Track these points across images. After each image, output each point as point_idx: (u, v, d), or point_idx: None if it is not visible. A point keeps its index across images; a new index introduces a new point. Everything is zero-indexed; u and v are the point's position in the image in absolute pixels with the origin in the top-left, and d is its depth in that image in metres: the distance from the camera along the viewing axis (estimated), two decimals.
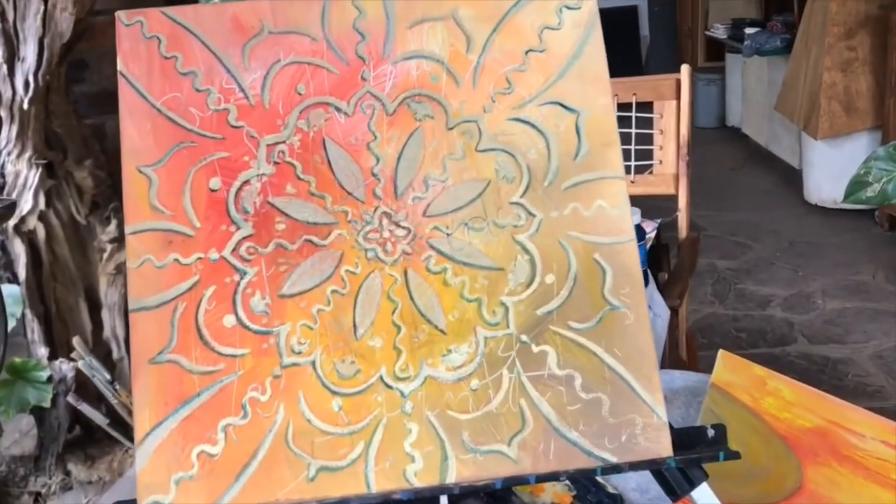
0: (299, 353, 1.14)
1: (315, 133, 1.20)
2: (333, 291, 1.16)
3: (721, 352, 2.04)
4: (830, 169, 5.77)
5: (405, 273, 1.17)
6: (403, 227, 1.18)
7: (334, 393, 1.13)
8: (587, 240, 1.17)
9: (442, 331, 1.15)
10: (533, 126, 1.21)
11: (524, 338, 1.15)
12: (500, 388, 1.13)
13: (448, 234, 1.18)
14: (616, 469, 1.11)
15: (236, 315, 1.15)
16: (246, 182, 1.18)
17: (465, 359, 1.14)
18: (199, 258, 1.16)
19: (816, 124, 5.62)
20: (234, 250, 1.16)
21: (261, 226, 1.17)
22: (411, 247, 1.18)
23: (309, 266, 1.17)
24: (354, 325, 1.15)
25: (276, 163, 1.19)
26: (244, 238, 1.17)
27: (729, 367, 2.03)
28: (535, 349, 1.15)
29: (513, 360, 1.14)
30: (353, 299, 1.16)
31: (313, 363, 1.14)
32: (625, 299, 1.16)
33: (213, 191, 1.18)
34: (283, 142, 1.20)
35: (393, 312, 1.16)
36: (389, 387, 1.13)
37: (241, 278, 1.16)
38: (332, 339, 1.15)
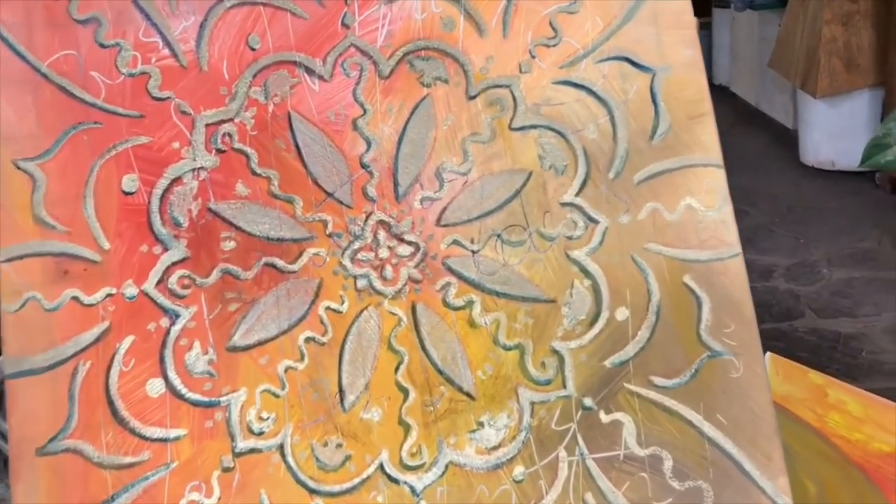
0: (260, 433, 0.77)
1: (277, 106, 0.82)
2: (309, 340, 0.79)
3: (770, 356, 1.69)
4: (829, 129, 5.44)
5: (413, 309, 0.80)
6: (409, 242, 0.81)
7: (313, 492, 0.76)
8: (673, 256, 0.81)
9: (469, 394, 0.79)
10: (590, 91, 0.84)
11: (588, 402, 0.79)
12: (556, 479, 0.77)
13: (474, 252, 0.81)
14: None
15: (166, 379, 0.78)
16: (176, 180, 0.80)
17: (504, 435, 0.78)
18: (109, 295, 0.78)
19: (815, 82, 5.28)
20: (160, 282, 0.79)
21: (199, 245, 0.79)
22: (421, 270, 0.81)
23: (272, 303, 0.79)
24: (341, 390, 0.79)
25: (219, 150, 0.81)
26: (175, 263, 0.79)
27: (783, 375, 1.68)
28: (604, 418, 0.79)
29: (573, 436, 0.78)
30: (339, 351, 0.79)
31: (281, 447, 0.77)
32: (730, 342, 0.80)
33: (127, 194, 0.80)
34: (231, 119, 0.81)
35: (397, 369, 0.79)
36: (394, 480, 0.77)
37: (173, 323, 0.78)
38: (309, 410, 0.78)
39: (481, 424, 0.79)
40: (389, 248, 0.81)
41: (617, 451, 0.79)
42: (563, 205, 0.82)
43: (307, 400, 0.78)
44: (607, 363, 0.80)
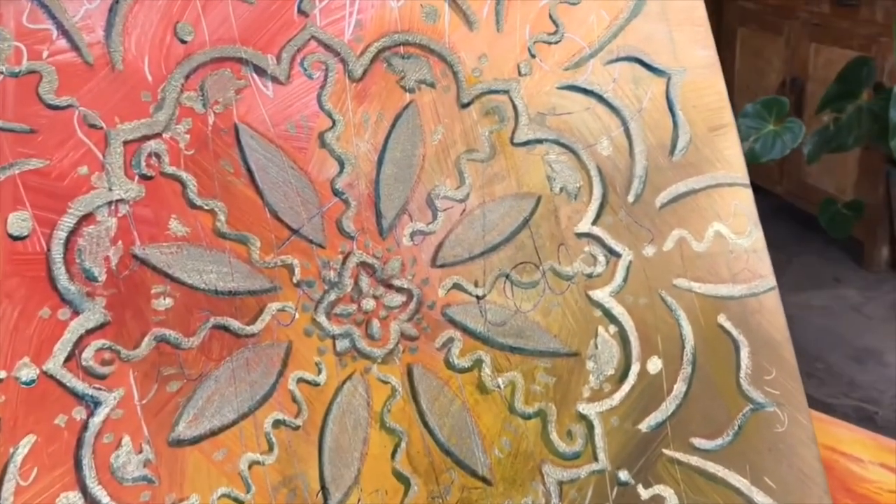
0: None
1: (219, 116, 0.62)
2: (278, 424, 0.61)
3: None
4: None
5: (409, 375, 0.63)
6: (399, 289, 0.64)
7: None
8: (705, 293, 0.68)
9: (484, 479, 0.63)
10: (600, 98, 0.70)
11: (624, 476, 0.65)
12: None
13: (479, 297, 0.65)
14: None
15: (85, 492, 0.57)
16: (87, 218, 0.59)
17: None
18: None
19: None
20: (69, 358, 0.57)
21: (123, 305, 0.59)
22: (416, 324, 0.64)
23: (226, 378, 0.60)
24: (324, 487, 0.60)
25: (144, 177, 0.60)
26: (91, 332, 0.58)
27: None
28: (643, 494, 0.65)
29: None
30: (318, 436, 0.61)
31: None
32: (772, 390, 0.69)
33: (15, 238, 0.58)
34: (158, 135, 0.61)
35: (394, 453, 0.62)
36: None
37: (91, 414, 0.57)
38: None
39: None
40: (375, 297, 0.64)
41: None
42: (580, 235, 0.68)
43: None
44: (642, 426, 0.66)
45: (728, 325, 0.69)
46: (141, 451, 0.58)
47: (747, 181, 0.72)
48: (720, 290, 0.69)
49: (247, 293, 0.61)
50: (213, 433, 0.59)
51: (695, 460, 0.67)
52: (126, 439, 0.58)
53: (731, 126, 0.73)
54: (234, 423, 0.60)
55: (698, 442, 0.67)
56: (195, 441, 0.59)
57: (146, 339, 0.59)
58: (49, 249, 0.58)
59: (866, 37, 2.59)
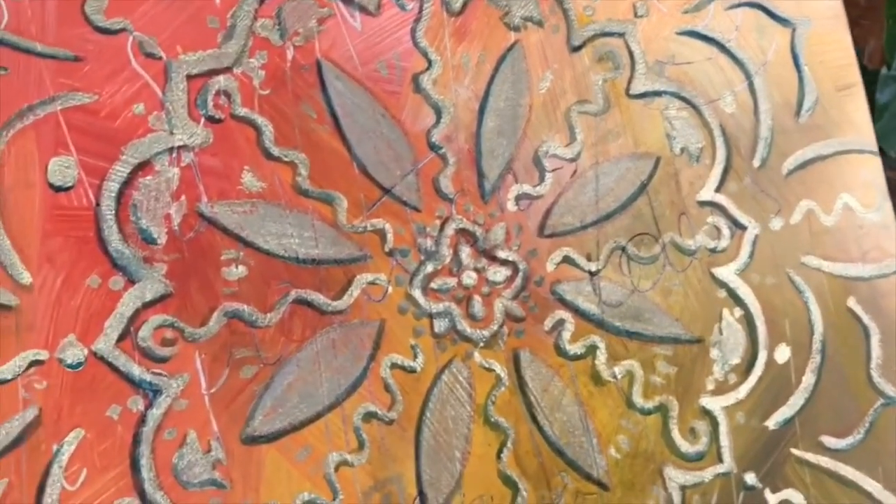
0: None
1: (299, 50, 0.52)
2: (370, 417, 0.51)
3: None
4: None
5: (516, 362, 0.54)
6: (504, 262, 0.54)
7: None
8: (835, 272, 0.60)
9: (600, 483, 0.54)
10: (722, 48, 0.61)
11: (751, 479, 0.57)
12: None
13: (592, 273, 0.56)
14: None
15: (143, 498, 0.47)
16: (143, 167, 0.48)
17: None
18: (37, 362, 0.46)
19: None
20: (123, 337, 0.47)
21: (187, 273, 0.49)
22: (522, 303, 0.55)
23: (309, 362, 0.50)
24: (421, 493, 0.51)
25: (212, 119, 0.50)
26: (149, 305, 0.48)
27: None
28: (771, 500, 0.57)
29: None
30: (415, 432, 0.52)
31: None
32: None
33: (58, 189, 0.47)
34: (227, 69, 0.51)
35: (500, 453, 0.53)
36: None
37: (150, 405, 0.47)
38: None
39: None
40: (476, 270, 0.54)
41: None
42: (702, 204, 0.59)
43: None
44: (770, 423, 0.58)
45: (858, 309, 0.61)
46: (209, 450, 0.48)
47: (876, 148, 0.64)
48: (850, 269, 0.61)
49: (333, 262, 0.51)
50: (295, 428, 0.50)
51: (825, 461, 0.59)
52: (192, 435, 0.48)
53: (859, 86, 0.64)
54: (319, 416, 0.50)
55: (828, 440, 0.59)
56: (273, 438, 0.49)
57: (215, 314, 0.49)
58: (98, 204, 0.48)
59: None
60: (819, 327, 0.60)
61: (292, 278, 0.50)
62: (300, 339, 0.50)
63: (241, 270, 0.50)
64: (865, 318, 0.61)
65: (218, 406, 0.48)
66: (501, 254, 0.55)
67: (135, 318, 0.48)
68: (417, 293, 0.53)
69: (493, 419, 0.53)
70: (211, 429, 0.48)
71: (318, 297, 0.51)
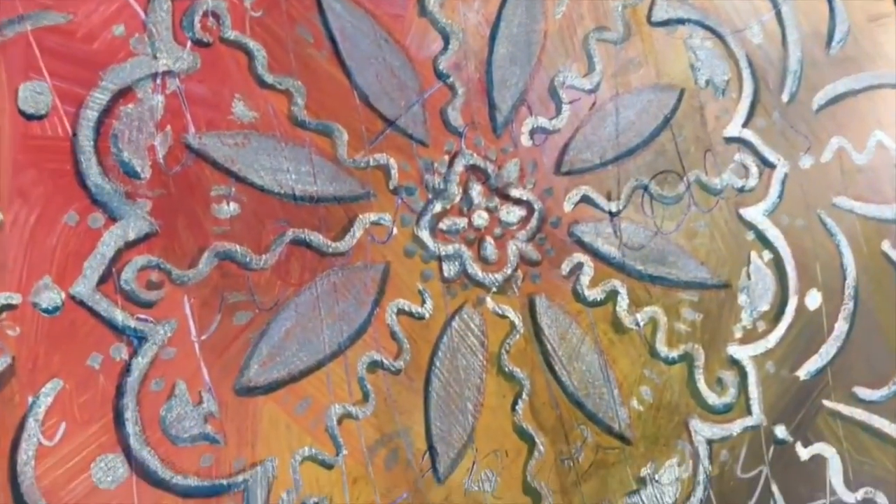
0: None
1: None
2: (375, 366, 0.47)
3: None
4: None
5: (531, 308, 0.50)
6: (518, 201, 0.50)
7: None
8: (868, 214, 0.56)
9: (622, 437, 0.51)
10: None
11: (781, 432, 0.53)
12: None
13: (612, 214, 0.52)
14: None
15: (129, 454, 0.43)
16: (125, 94, 0.44)
17: (676, 495, 0.51)
18: (9, 307, 0.41)
19: None
20: (105, 279, 0.43)
21: (175, 210, 0.44)
22: (538, 245, 0.51)
23: (308, 308, 0.46)
24: (431, 447, 0.47)
25: (199, 43, 0.45)
26: (132, 245, 0.44)
27: None
28: (802, 454, 0.54)
29: (766, 485, 0.52)
30: (424, 383, 0.48)
31: None
32: None
33: (30, 118, 0.43)
34: None
35: (514, 405, 0.49)
36: None
37: (135, 353, 0.43)
38: (384, 484, 0.46)
39: (643, 482, 0.51)
40: (489, 210, 0.50)
41: (821, 499, 0.54)
42: (729, 140, 0.55)
43: (378, 468, 0.47)
44: (801, 373, 0.54)
45: (893, 253, 0.57)
46: (200, 402, 0.44)
47: None
48: (884, 211, 0.57)
49: (333, 200, 0.47)
50: (293, 379, 0.46)
51: (858, 413, 0.55)
52: (181, 386, 0.44)
53: (893, 17, 0.60)
54: (320, 365, 0.46)
55: (862, 392, 0.56)
56: (270, 389, 0.45)
57: (205, 255, 0.45)
58: (75, 134, 0.43)
59: None
60: (851, 272, 0.56)
61: (289, 217, 0.46)
62: (298, 282, 0.46)
63: (233, 208, 0.46)
64: None
65: (209, 354, 0.44)
66: (515, 192, 0.51)
67: (117, 259, 0.44)
68: (425, 234, 0.49)
69: (507, 369, 0.49)
70: (202, 379, 0.44)
71: (318, 238, 0.47)
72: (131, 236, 0.44)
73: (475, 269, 0.50)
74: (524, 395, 0.50)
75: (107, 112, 0.44)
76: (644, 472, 0.51)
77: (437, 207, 0.49)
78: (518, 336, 0.50)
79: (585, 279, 0.51)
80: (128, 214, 0.44)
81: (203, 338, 0.44)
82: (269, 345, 0.45)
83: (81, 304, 0.43)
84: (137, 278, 0.44)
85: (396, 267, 0.48)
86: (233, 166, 0.46)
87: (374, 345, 0.47)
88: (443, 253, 0.49)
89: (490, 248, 0.50)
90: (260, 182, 0.46)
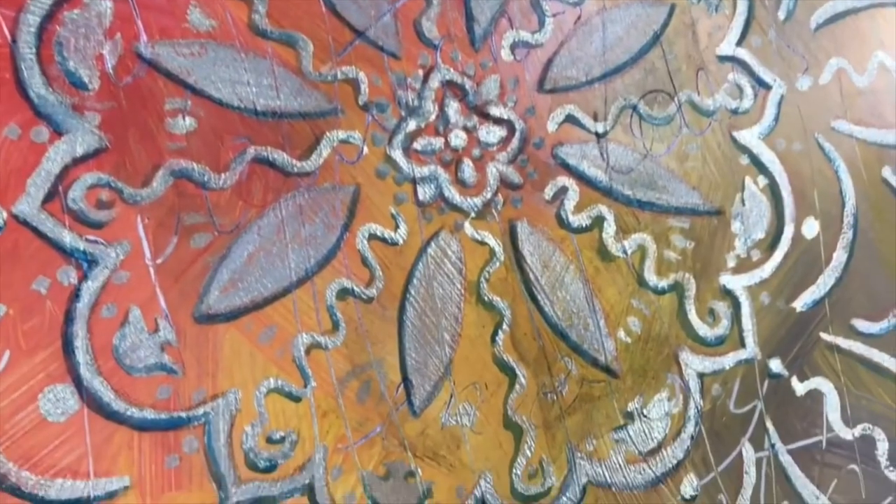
0: (271, 467, 0.42)
1: None
2: (345, 294, 0.44)
3: None
4: None
5: (512, 234, 0.47)
6: (498, 120, 0.47)
7: None
8: (868, 139, 0.53)
9: (609, 370, 0.48)
10: None
11: (776, 366, 0.51)
12: (740, 488, 0.49)
13: (599, 135, 0.48)
14: None
15: (79, 385, 0.40)
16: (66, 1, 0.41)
17: (665, 430, 0.48)
18: None
19: None
20: (51, 198, 0.40)
21: (125, 124, 0.41)
22: (520, 168, 0.48)
23: (272, 231, 0.43)
24: (406, 379, 0.45)
25: None
26: (81, 161, 0.40)
27: None
28: (798, 389, 0.51)
29: (760, 421, 0.50)
30: (398, 312, 0.45)
31: (310, 489, 0.42)
32: None
33: None
34: None
35: (494, 336, 0.46)
36: None
37: (84, 277, 0.40)
38: (355, 418, 0.44)
39: (630, 416, 0.48)
40: (466, 130, 0.47)
41: (818, 436, 0.51)
42: (722, 59, 0.51)
43: (349, 401, 0.44)
44: (798, 305, 0.52)
45: (894, 179, 0.54)
46: (156, 330, 0.41)
47: None
48: (886, 136, 0.54)
49: (297, 116, 0.44)
50: (257, 306, 0.43)
51: (857, 347, 0.53)
52: (135, 313, 0.41)
53: None
54: (286, 292, 0.43)
55: (861, 325, 0.53)
56: (232, 316, 0.42)
57: (159, 173, 0.42)
58: (15, 40, 0.40)
59: None
60: (851, 199, 0.54)
61: (250, 133, 0.43)
62: (261, 203, 0.43)
63: (189, 123, 0.42)
64: None
65: (165, 279, 0.41)
66: (495, 111, 0.47)
67: (64, 176, 0.40)
68: (398, 154, 0.46)
69: (486, 298, 0.47)
70: (158, 305, 0.41)
71: (282, 156, 0.44)
72: (79, 152, 0.40)
73: (452, 193, 0.47)
74: (505, 326, 0.47)
75: (49, 17, 0.40)
76: (632, 406, 0.48)
77: (411, 126, 0.46)
78: (498, 264, 0.47)
79: (570, 204, 0.48)
80: (75, 128, 0.40)
81: (158, 261, 0.41)
82: (230, 269, 0.42)
83: (25, 223, 0.40)
84: (86, 197, 0.40)
85: (367, 189, 0.45)
86: (188, 78, 0.42)
87: (345, 271, 0.44)
88: (417, 175, 0.46)
89: (468, 170, 0.47)
90: (218, 95, 0.43)
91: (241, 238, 0.43)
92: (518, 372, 0.47)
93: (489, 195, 0.47)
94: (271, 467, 0.42)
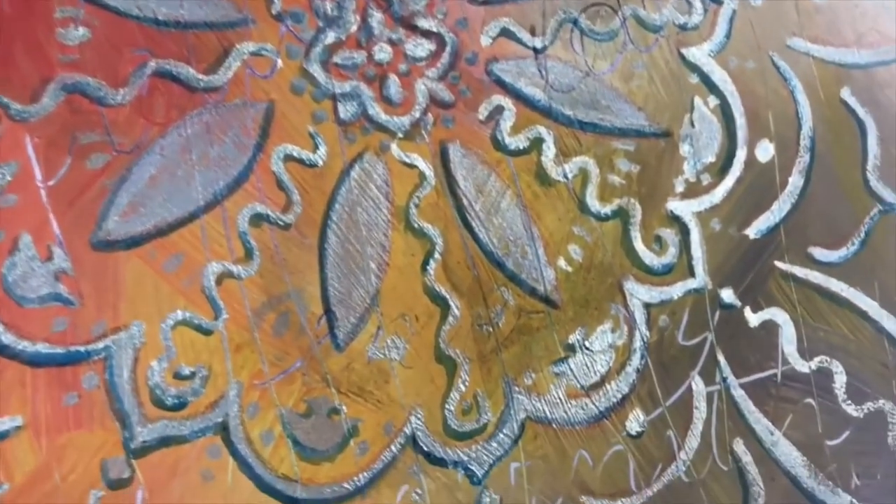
0: (180, 404, 0.39)
1: None
2: (259, 220, 0.41)
3: None
4: None
5: (443, 156, 0.44)
6: (426, 33, 0.44)
7: (292, 503, 0.40)
8: (826, 58, 0.50)
9: (548, 300, 0.45)
10: None
11: (728, 296, 0.48)
12: (690, 424, 0.47)
13: (537, 50, 0.45)
14: None
15: None
16: None
17: (609, 363, 0.46)
18: None
19: None
20: None
21: (11, 33, 0.37)
22: (451, 85, 0.44)
23: (177, 151, 0.40)
24: (329, 311, 0.42)
25: None
26: None
27: None
28: (752, 320, 0.49)
29: (710, 353, 0.47)
30: (319, 240, 0.42)
31: (224, 428, 0.40)
32: None
33: None
34: None
35: (425, 264, 0.43)
36: (437, 461, 0.43)
37: None
38: (272, 352, 0.41)
39: (571, 349, 0.45)
40: (392, 42, 0.44)
41: (773, 369, 0.49)
42: None
43: (266, 334, 0.41)
44: (751, 232, 0.49)
45: (852, 101, 0.51)
46: (50, 258, 0.38)
47: None
48: (844, 55, 0.51)
49: (203, 26, 0.40)
50: (161, 232, 0.40)
51: (814, 276, 0.50)
52: (25, 239, 0.38)
53: None
54: (193, 217, 0.40)
55: (818, 253, 0.50)
56: (134, 243, 0.39)
57: (50, 87, 0.38)
58: None
59: None
60: (808, 121, 0.51)
61: (151, 45, 0.40)
62: (164, 121, 0.40)
63: (83, 33, 0.39)
64: (861, 112, 0.52)
65: (59, 203, 0.38)
66: (423, 23, 0.44)
67: None
68: (316, 69, 0.42)
69: (416, 225, 0.43)
70: (51, 231, 0.38)
71: (186, 70, 0.40)
72: None
73: (377, 111, 0.43)
74: (436, 254, 0.44)
75: None
76: (573, 338, 0.46)
77: (330, 38, 0.42)
78: (429, 188, 0.44)
79: (506, 125, 0.45)
80: None
81: (50, 183, 0.38)
82: (130, 193, 0.39)
83: None
84: None
85: (282, 106, 0.42)
86: None
87: (258, 195, 0.41)
88: (338, 91, 0.43)
89: (394, 86, 0.44)
90: (114, 3, 0.39)
91: (142, 159, 0.39)
92: (451, 303, 0.44)
93: (418, 114, 0.44)
94: (180, 405, 0.40)
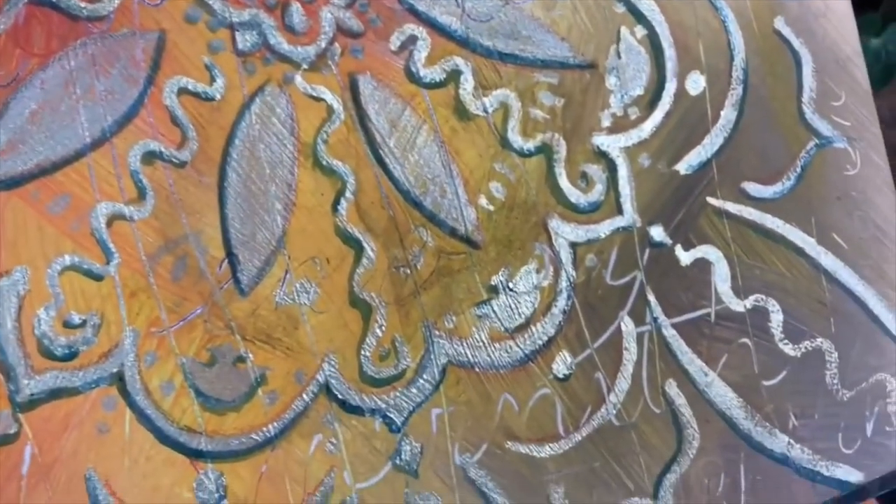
0: (71, 354, 0.37)
1: None
2: (152, 157, 0.38)
3: None
4: None
5: (353, 89, 0.42)
6: None
7: (196, 455, 0.38)
8: None
9: (469, 240, 0.43)
10: None
11: (658, 234, 0.46)
12: (620, 365, 0.45)
13: None
14: (861, 496, 0.51)
15: None
16: None
17: (534, 305, 0.44)
18: None
19: None
20: None
21: None
22: (360, 13, 0.42)
23: (58, 85, 0.37)
24: (231, 254, 0.39)
25: None
26: None
27: None
28: (683, 258, 0.47)
29: (640, 292, 0.46)
30: (218, 178, 0.39)
31: (120, 378, 0.37)
32: (841, 121, 0.51)
33: None
34: None
35: (336, 204, 0.41)
36: (353, 409, 0.41)
37: None
38: (171, 298, 0.38)
39: (494, 290, 0.43)
40: None
41: (706, 308, 0.47)
42: None
43: (163, 279, 0.38)
44: (681, 167, 0.47)
45: (787, 31, 0.50)
46: None
47: None
48: None
49: None
50: (44, 172, 0.37)
51: (748, 212, 0.48)
52: None
53: None
54: (79, 156, 0.37)
55: (752, 188, 0.49)
56: (14, 184, 0.37)
57: None
58: None
59: None
60: (740, 53, 0.49)
61: None
62: (44, 52, 0.37)
63: None
64: (796, 43, 0.50)
65: None
66: None
67: None
68: None
69: (325, 162, 0.41)
70: None
71: None
72: None
73: (279, 40, 0.41)
74: (348, 194, 0.41)
75: None
76: (496, 279, 0.44)
77: None
78: (338, 123, 0.41)
79: (420, 55, 0.43)
80: None
81: None
82: (8, 129, 0.36)
83: None
84: None
85: (175, 35, 0.39)
86: None
87: (150, 131, 0.38)
88: (235, 19, 0.40)
89: (297, 14, 0.41)
90: None
91: (19, 93, 0.37)
92: (365, 244, 0.42)
93: (324, 44, 0.41)
94: (71, 355, 0.37)
